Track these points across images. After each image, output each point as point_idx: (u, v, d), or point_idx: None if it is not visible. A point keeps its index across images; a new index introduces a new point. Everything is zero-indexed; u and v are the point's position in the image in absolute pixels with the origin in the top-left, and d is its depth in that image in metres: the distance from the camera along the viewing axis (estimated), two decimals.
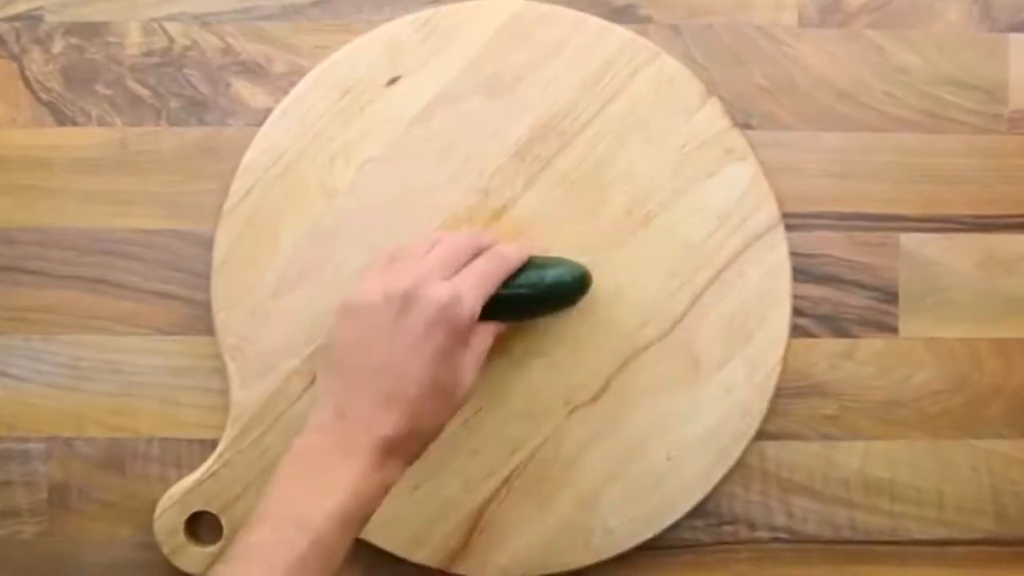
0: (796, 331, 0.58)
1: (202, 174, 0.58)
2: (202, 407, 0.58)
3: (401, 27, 0.57)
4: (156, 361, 0.58)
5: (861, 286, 0.59)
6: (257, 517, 0.45)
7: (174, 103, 0.58)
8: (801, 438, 0.59)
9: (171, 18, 0.58)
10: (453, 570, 0.57)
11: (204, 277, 0.57)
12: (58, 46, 0.58)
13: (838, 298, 0.59)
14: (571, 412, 0.57)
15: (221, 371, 0.57)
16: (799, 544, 0.59)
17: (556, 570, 0.57)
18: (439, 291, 0.48)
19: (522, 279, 0.52)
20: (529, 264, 0.53)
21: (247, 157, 0.57)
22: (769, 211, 0.57)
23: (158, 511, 0.57)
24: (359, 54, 0.57)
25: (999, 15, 0.58)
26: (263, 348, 0.57)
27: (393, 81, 0.56)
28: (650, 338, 0.57)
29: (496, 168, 0.56)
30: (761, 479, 0.59)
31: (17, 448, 0.58)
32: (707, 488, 0.57)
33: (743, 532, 0.59)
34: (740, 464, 0.58)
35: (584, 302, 0.55)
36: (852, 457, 0.59)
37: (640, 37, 0.57)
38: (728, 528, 0.59)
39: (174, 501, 0.57)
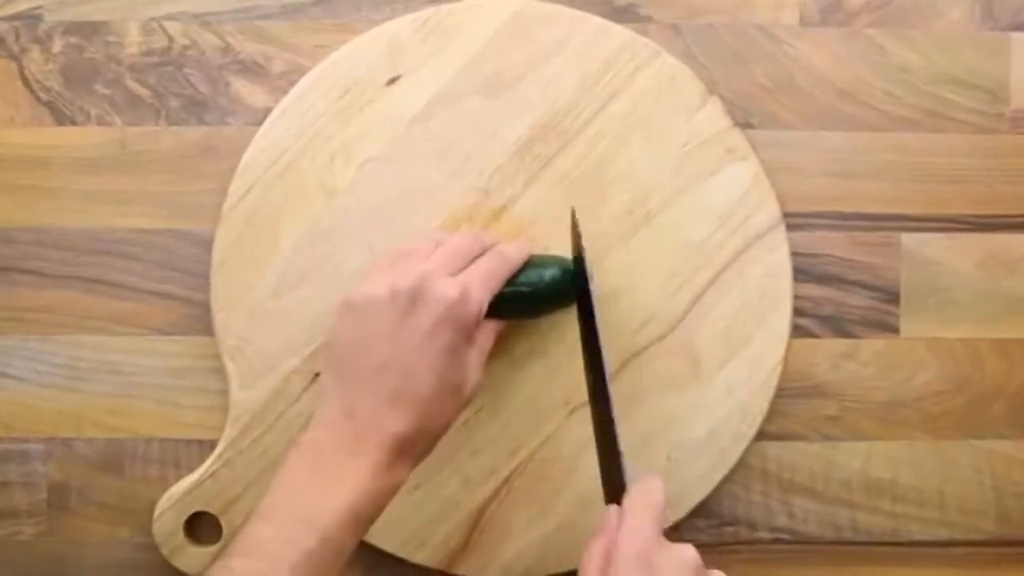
0: (797, 331, 0.58)
1: (201, 174, 0.58)
2: (201, 407, 0.58)
3: (401, 26, 0.57)
4: (155, 361, 0.58)
5: (862, 286, 0.59)
6: (262, 513, 0.45)
7: (173, 102, 0.58)
8: (802, 439, 0.59)
9: (170, 17, 0.58)
10: (453, 570, 0.57)
11: (203, 277, 0.57)
12: (57, 45, 0.58)
13: (839, 298, 0.58)
14: (571, 412, 0.56)
15: (220, 371, 0.57)
16: (800, 545, 0.59)
17: (556, 570, 0.57)
18: (447, 288, 0.48)
19: (522, 278, 0.52)
20: (529, 263, 0.53)
21: (247, 156, 0.56)
22: (770, 211, 0.57)
23: (157, 512, 0.56)
24: (359, 53, 0.57)
25: (1001, 14, 0.58)
26: (262, 348, 0.56)
27: (393, 80, 0.56)
28: (651, 338, 0.56)
29: (496, 167, 0.56)
30: (762, 480, 0.59)
31: (16, 449, 0.58)
32: (708, 489, 0.57)
33: (744, 533, 0.59)
34: (741, 465, 0.58)
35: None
36: (853, 458, 0.59)
37: (641, 36, 0.57)
38: (729, 529, 0.59)
39: (173, 502, 0.56)
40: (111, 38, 0.58)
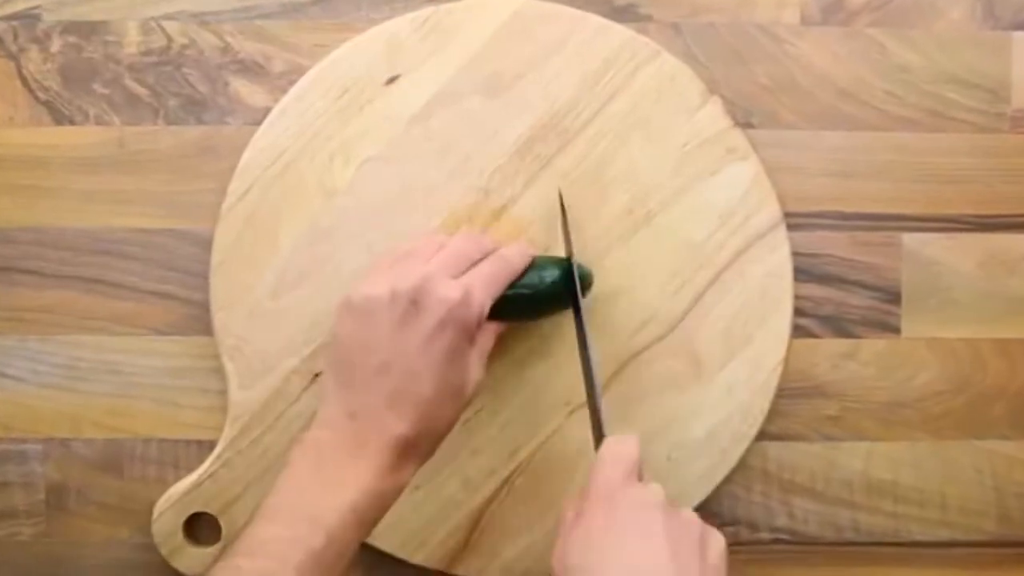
0: (798, 331, 0.58)
1: (200, 173, 0.58)
2: (200, 408, 0.58)
3: (401, 25, 0.56)
4: (154, 362, 0.58)
5: (863, 286, 0.58)
6: (266, 512, 0.44)
7: (172, 102, 0.58)
8: (803, 439, 0.59)
9: (169, 17, 0.58)
10: (453, 571, 0.57)
11: (202, 277, 0.57)
12: (56, 45, 0.57)
13: (840, 298, 0.58)
14: (571, 412, 0.56)
15: (219, 371, 0.57)
16: (801, 546, 0.59)
17: None
18: (449, 290, 0.48)
19: (523, 280, 0.52)
20: (529, 264, 0.53)
21: (246, 156, 0.56)
22: (771, 211, 0.57)
23: (156, 512, 0.56)
24: (358, 53, 0.56)
25: (1002, 13, 0.58)
26: (262, 348, 0.56)
27: (392, 80, 0.56)
28: (651, 338, 0.56)
29: (496, 167, 0.56)
30: (763, 480, 0.59)
31: (14, 449, 0.58)
32: (708, 489, 0.57)
33: (744, 533, 0.59)
34: (741, 465, 0.58)
35: (584, 302, 0.55)
36: (854, 458, 0.59)
37: (641, 35, 0.57)
38: (729, 529, 0.59)
39: (172, 502, 0.56)
40: (110, 38, 0.58)
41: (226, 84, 0.58)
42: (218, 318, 0.56)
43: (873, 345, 0.58)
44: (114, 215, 0.58)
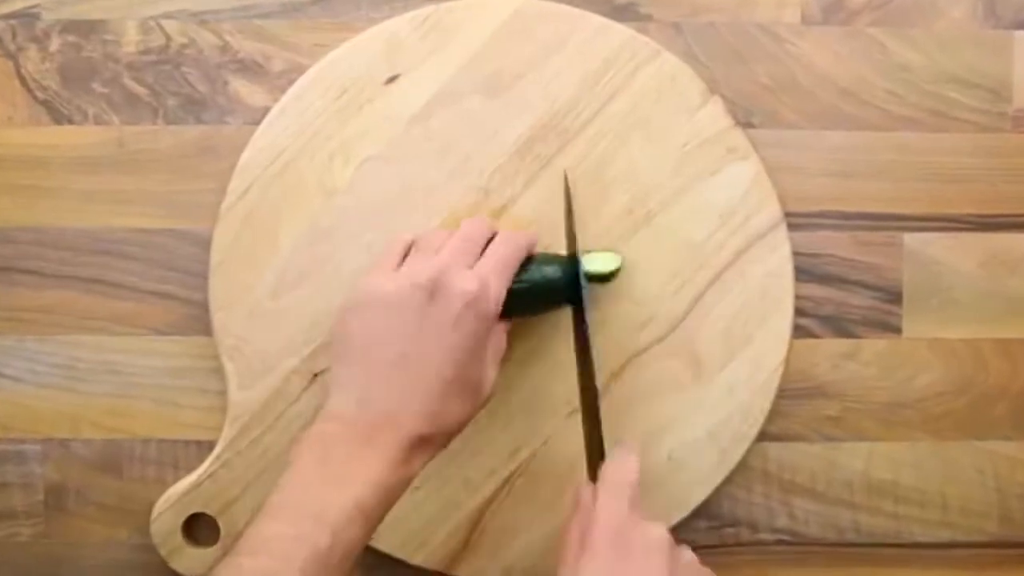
0: (798, 331, 0.58)
1: (200, 173, 0.57)
2: (200, 408, 0.58)
3: (400, 25, 0.56)
4: (153, 362, 0.58)
5: (864, 286, 0.58)
6: (270, 510, 0.44)
7: (172, 102, 0.58)
8: (803, 439, 0.58)
9: (168, 16, 0.57)
10: (453, 571, 0.57)
11: (202, 277, 0.57)
12: (55, 44, 0.57)
13: (841, 298, 0.58)
14: (571, 412, 0.56)
15: (219, 372, 0.57)
16: (802, 546, 0.59)
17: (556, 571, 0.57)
18: (466, 281, 0.47)
19: (523, 275, 0.52)
20: (530, 260, 0.52)
21: (245, 156, 0.56)
22: (771, 210, 0.57)
23: (155, 513, 0.56)
24: (358, 52, 0.56)
25: (1003, 12, 0.58)
26: (261, 348, 0.56)
27: (392, 79, 0.56)
28: (651, 338, 0.56)
29: (496, 167, 0.56)
30: (763, 481, 0.58)
31: (13, 450, 0.58)
32: (709, 490, 0.57)
33: (745, 534, 0.59)
34: (742, 465, 0.57)
35: (586, 297, 0.54)
36: (855, 459, 0.58)
37: (641, 35, 0.56)
38: (730, 530, 0.58)
39: (171, 503, 0.56)
40: (109, 37, 0.57)
41: (225, 83, 0.58)
42: (218, 318, 0.56)
43: (874, 345, 0.58)
44: (114, 215, 0.58)
